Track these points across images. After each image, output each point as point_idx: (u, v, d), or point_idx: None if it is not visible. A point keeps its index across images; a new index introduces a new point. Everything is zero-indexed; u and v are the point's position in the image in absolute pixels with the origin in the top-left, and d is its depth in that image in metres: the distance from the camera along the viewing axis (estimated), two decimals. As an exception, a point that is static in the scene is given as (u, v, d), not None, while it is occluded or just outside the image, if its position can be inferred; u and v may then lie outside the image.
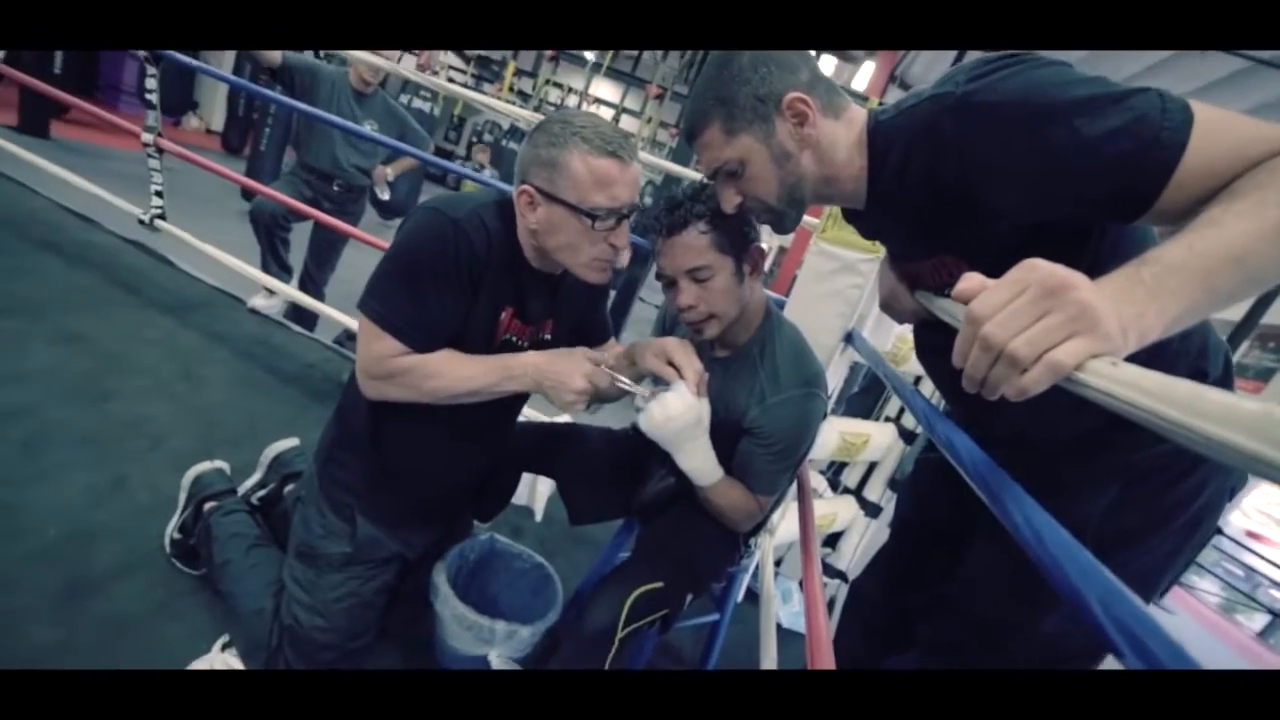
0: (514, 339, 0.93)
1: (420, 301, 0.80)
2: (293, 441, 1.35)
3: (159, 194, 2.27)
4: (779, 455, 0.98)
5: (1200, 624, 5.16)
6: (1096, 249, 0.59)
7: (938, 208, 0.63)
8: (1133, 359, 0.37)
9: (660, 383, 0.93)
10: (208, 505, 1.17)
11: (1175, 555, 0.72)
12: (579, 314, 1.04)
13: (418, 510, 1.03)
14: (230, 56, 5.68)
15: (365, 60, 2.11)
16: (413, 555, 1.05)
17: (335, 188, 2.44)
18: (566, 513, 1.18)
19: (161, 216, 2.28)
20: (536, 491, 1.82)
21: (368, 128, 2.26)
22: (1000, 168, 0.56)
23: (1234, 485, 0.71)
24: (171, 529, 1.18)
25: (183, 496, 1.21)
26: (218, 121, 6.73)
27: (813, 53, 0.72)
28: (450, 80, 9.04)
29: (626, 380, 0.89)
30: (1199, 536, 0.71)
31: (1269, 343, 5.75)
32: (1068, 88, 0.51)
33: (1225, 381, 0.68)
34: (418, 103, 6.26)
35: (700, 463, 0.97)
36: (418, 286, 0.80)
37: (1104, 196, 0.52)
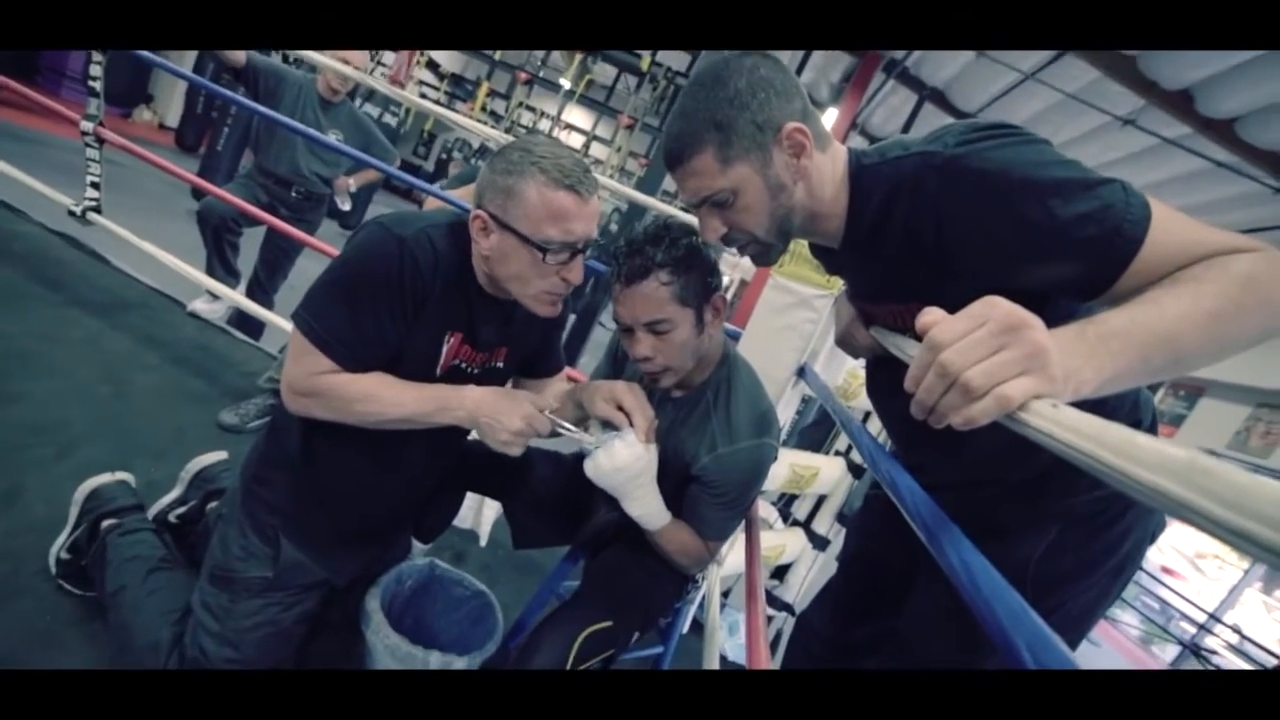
0: (464, 365, 0.90)
1: (356, 319, 0.77)
2: (219, 455, 1.26)
3: (95, 185, 2.14)
4: (728, 504, 0.97)
5: (1122, 655, 5.41)
6: (1050, 320, 0.62)
7: (911, 259, 0.65)
8: (1077, 409, 0.39)
9: (610, 426, 0.91)
10: (106, 523, 1.06)
11: (1104, 597, 0.74)
12: (534, 342, 1.02)
13: (348, 536, 0.96)
14: (192, 51, 5.50)
15: (335, 68, 2.07)
16: (340, 582, 0.99)
17: (294, 195, 2.36)
18: (511, 536, 1.14)
19: (96, 210, 2.15)
20: (482, 515, 1.75)
21: (332, 137, 2.21)
22: (976, 232, 0.58)
23: (1154, 530, 0.75)
24: (58, 548, 1.07)
25: (74, 512, 1.09)
26: (173, 117, 6.49)
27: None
28: (423, 96, 9.00)
29: (568, 426, 0.87)
30: (1124, 578, 0.74)
31: (1180, 391, 6.32)
32: (1047, 168, 0.55)
33: (1153, 431, 0.72)
34: (373, 110, 6.02)
35: (647, 509, 0.95)
36: (355, 304, 0.77)
37: (1067, 275, 0.56)
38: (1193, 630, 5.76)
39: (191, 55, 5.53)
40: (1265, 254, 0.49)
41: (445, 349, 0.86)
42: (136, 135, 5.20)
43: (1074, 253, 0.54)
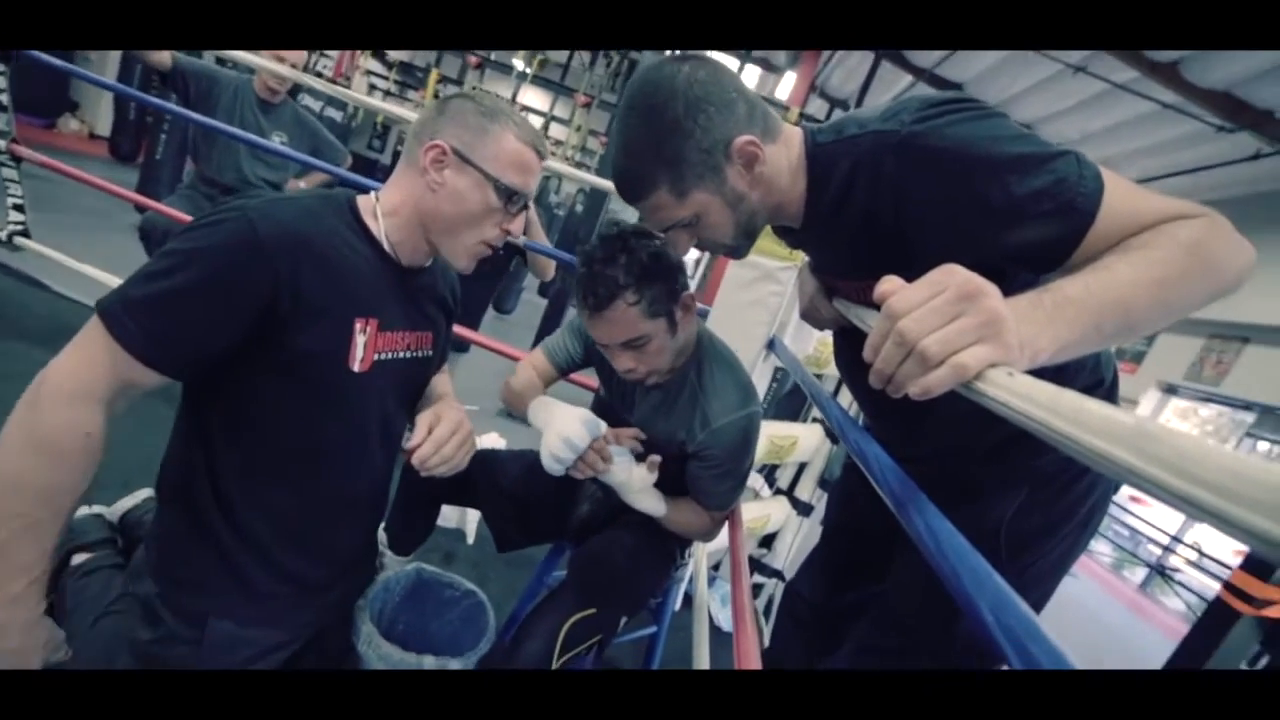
0: (390, 356, 0.79)
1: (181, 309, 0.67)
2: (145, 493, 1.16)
3: (19, 208, 2.02)
4: (727, 473, 1.01)
5: (1097, 584, 5.72)
6: (1008, 291, 0.63)
7: (870, 237, 0.65)
8: (1039, 373, 0.39)
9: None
10: (76, 558, 1.00)
11: (1074, 548, 0.77)
12: (448, 324, 0.94)
13: (292, 594, 0.82)
14: (115, 54, 5.17)
15: (270, 69, 1.96)
16: (298, 638, 0.85)
17: (240, 202, 2.26)
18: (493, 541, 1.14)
19: (24, 234, 2.03)
20: (467, 514, 1.75)
21: (276, 140, 2.11)
22: (934, 211, 0.58)
23: (1118, 482, 0.78)
24: None
25: None
26: (104, 125, 6.09)
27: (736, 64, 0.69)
28: (372, 87, 8.64)
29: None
30: (1091, 528, 0.77)
31: (1141, 329, 6.58)
32: (1002, 143, 0.55)
33: (1114, 386, 0.74)
34: (314, 104, 5.64)
35: (648, 505, 1.02)
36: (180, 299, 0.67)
37: (1023, 250, 0.56)
38: (1158, 552, 6.11)
39: (115, 59, 5.19)
40: (1209, 219, 0.50)
41: (363, 340, 0.74)
42: (64, 147, 4.88)
43: (1030, 228, 0.54)
